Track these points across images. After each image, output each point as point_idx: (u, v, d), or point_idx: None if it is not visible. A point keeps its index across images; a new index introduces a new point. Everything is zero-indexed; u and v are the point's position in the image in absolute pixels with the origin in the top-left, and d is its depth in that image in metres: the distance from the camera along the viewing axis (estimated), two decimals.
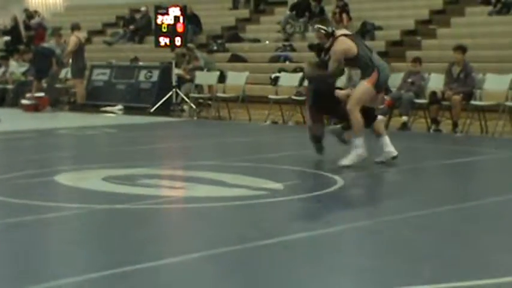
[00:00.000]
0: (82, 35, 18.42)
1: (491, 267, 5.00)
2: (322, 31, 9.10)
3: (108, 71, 19.19)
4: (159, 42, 18.22)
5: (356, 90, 8.93)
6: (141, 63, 19.63)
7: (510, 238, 5.92)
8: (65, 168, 9.25)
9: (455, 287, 4.55)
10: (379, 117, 9.37)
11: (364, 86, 8.88)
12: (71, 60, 18.49)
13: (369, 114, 8.89)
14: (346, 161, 8.66)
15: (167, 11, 17.97)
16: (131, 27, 24.31)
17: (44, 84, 18.42)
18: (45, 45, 19.48)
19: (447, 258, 5.24)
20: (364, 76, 8.92)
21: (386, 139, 9.04)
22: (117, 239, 5.82)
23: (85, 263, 5.18)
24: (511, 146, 11.83)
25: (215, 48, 21.89)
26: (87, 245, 5.70)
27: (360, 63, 8.96)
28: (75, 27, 18.35)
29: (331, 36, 9.08)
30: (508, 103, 13.13)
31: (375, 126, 9.04)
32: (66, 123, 15.45)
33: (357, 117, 8.81)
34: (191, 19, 21.55)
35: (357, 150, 8.67)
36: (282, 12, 22.60)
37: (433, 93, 13.50)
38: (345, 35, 9.12)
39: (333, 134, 9.60)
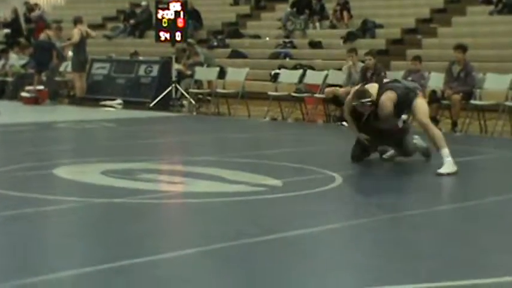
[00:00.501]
0: (84, 28, 18.39)
1: (491, 266, 5.00)
2: (368, 103, 8.85)
3: (108, 65, 19.17)
4: (159, 37, 18.20)
5: (420, 108, 8.87)
6: (141, 58, 19.61)
7: (509, 238, 5.92)
8: (63, 162, 9.24)
9: (453, 286, 4.55)
10: None
11: (422, 100, 9.05)
12: (71, 53, 18.49)
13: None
14: (443, 170, 8.40)
15: (168, 5, 17.95)
16: (132, 21, 24.30)
17: (44, 77, 18.41)
18: (42, 38, 19.41)
19: (446, 257, 5.23)
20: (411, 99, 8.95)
21: None
22: (115, 233, 5.82)
23: (83, 257, 5.17)
24: (510, 146, 11.83)
25: (215, 44, 21.88)
26: (85, 239, 5.70)
27: (402, 98, 8.93)
28: (77, 21, 18.33)
29: (376, 102, 8.85)
30: (508, 103, 13.11)
31: None
32: (66, 116, 15.43)
33: (434, 130, 8.81)
34: (192, 14, 21.54)
35: (449, 160, 8.48)
36: (283, 9, 22.60)
37: (433, 92, 13.49)
38: (380, 89, 8.96)
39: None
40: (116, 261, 4.90)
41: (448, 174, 8.31)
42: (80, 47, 17.92)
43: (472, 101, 13.29)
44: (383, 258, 5.24)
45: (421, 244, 5.65)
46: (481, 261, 5.13)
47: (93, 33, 18.99)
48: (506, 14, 18.99)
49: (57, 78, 19.12)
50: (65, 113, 16.35)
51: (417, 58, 14.27)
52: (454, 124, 13.24)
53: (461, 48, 13.55)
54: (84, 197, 7.07)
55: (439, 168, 8.36)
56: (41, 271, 4.68)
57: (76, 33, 17.91)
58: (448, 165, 8.40)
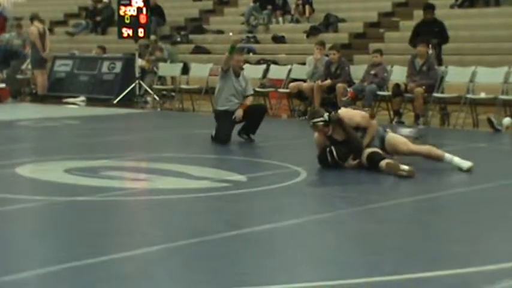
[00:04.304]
0: (41, 25, 18.24)
1: (453, 258, 5.06)
2: (321, 123, 8.42)
3: (70, 62, 19.03)
4: (122, 33, 18.11)
5: (396, 140, 8.58)
6: (104, 55, 19.49)
7: (471, 229, 5.99)
8: (26, 160, 9.16)
9: (417, 278, 4.60)
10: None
11: (392, 134, 8.74)
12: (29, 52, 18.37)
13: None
14: (465, 164, 8.29)
15: (130, 2, 17.86)
16: (98, 18, 24.07)
17: (5, 75, 18.24)
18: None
19: (409, 250, 5.29)
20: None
21: None
22: (79, 232, 5.79)
23: (47, 256, 5.14)
24: (471, 138, 11.96)
25: (178, 39, 21.82)
26: (49, 237, 5.66)
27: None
28: (34, 18, 18.20)
29: (330, 123, 8.42)
30: (469, 95, 13.26)
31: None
32: (28, 114, 15.29)
33: (424, 148, 8.61)
34: (154, 10, 21.44)
35: (457, 158, 8.38)
36: (246, 4, 22.59)
37: (397, 86, 13.58)
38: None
39: None
40: (80, 259, 4.88)
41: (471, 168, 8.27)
42: (36, 44, 17.82)
43: (435, 94, 13.42)
44: (347, 252, 5.28)
45: (385, 237, 5.70)
46: (444, 253, 5.19)
47: (41, 25, 18.73)
48: (467, 7, 19.18)
49: (19, 76, 18.95)
50: (27, 111, 16.21)
51: (378, 51, 14.35)
52: (417, 117, 13.36)
53: (424, 42, 13.66)
54: (48, 196, 7.02)
55: (460, 168, 8.30)
56: (4, 271, 4.64)
57: (32, 31, 17.79)
58: (462, 161, 8.35)
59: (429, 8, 14.97)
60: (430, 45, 13.85)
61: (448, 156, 8.49)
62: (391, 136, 8.66)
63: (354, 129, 8.48)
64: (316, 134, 8.62)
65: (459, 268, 4.76)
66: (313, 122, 8.52)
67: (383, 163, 8.17)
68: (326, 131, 8.50)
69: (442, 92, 13.65)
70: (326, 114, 8.47)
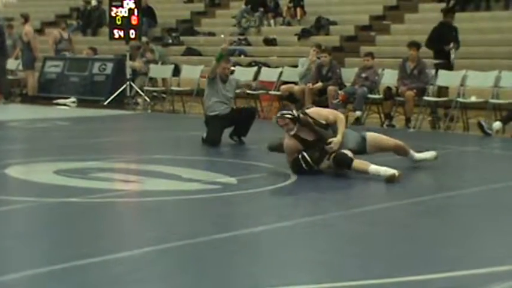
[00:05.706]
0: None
1: (443, 261, 5.05)
2: (288, 116, 8.32)
3: (61, 63, 18.99)
4: (113, 34, 18.09)
5: (377, 137, 8.66)
6: (95, 56, 19.46)
7: (460, 232, 5.99)
8: (16, 161, 9.13)
9: (406, 282, 4.59)
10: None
11: (370, 132, 8.82)
12: (20, 52, 18.34)
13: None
14: (423, 155, 8.82)
15: (122, 3, 17.84)
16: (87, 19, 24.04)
17: None
18: None
19: (398, 253, 5.29)
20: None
21: None
22: (69, 233, 5.77)
23: (36, 257, 5.12)
24: (461, 142, 11.98)
25: (170, 41, 21.81)
26: (39, 239, 5.63)
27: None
28: (28, 18, 18.21)
29: (297, 121, 8.30)
30: (460, 99, 13.29)
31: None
32: (18, 115, 15.25)
33: (396, 144, 8.76)
34: (146, 12, 21.43)
35: (422, 154, 8.84)
36: (237, 6, 22.61)
37: (388, 89, 13.59)
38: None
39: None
40: (70, 261, 4.86)
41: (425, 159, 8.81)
42: (29, 44, 17.78)
43: (425, 98, 13.44)
44: (337, 255, 5.27)
45: (376, 240, 5.69)
46: (435, 256, 5.19)
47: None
48: (458, 11, 19.20)
49: (10, 77, 18.88)
50: (18, 112, 16.15)
51: (369, 54, 14.38)
52: (408, 120, 13.37)
53: (415, 45, 13.70)
54: (37, 197, 6.99)
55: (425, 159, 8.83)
56: None
57: (29, 32, 17.77)
58: (425, 153, 8.86)
59: (449, 11, 15.05)
60: (452, 49, 14.08)
61: (412, 152, 8.80)
62: (372, 135, 8.68)
63: (325, 125, 8.43)
64: (286, 140, 8.42)
65: (451, 271, 4.76)
66: (281, 113, 8.42)
67: (386, 175, 8.03)
68: (291, 127, 8.31)
69: (439, 96, 13.69)
70: (296, 112, 8.43)
